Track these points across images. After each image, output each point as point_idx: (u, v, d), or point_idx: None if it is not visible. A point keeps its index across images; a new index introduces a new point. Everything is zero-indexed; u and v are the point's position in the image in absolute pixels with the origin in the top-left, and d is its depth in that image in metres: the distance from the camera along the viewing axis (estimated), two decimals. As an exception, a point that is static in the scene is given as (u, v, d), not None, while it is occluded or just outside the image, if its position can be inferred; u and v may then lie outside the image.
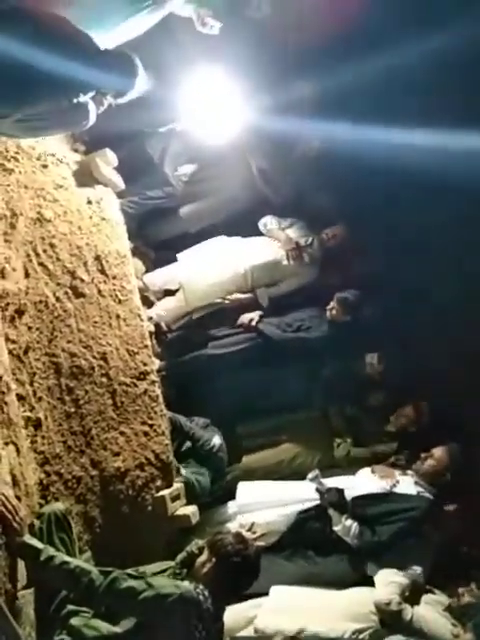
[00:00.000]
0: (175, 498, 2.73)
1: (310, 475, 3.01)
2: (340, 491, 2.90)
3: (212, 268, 3.49)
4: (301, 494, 2.97)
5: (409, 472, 2.98)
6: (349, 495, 2.89)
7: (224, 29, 3.02)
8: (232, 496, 3.10)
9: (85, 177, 2.98)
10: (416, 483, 2.91)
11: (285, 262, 3.50)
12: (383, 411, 3.40)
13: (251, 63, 3.32)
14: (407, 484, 2.92)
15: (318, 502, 2.90)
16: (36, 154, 2.68)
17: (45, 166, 2.72)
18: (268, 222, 3.60)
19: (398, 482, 2.94)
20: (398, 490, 2.90)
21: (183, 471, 2.93)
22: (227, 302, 3.55)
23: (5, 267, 2.30)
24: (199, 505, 2.88)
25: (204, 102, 3.10)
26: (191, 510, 2.76)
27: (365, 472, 3.08)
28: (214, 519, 3.06)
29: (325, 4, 3.25)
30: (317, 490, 2.91)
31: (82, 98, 2.16)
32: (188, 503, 2.84)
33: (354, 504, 2.87)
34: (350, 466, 3.25)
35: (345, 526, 2.82)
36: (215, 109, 3.15)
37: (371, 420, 3.43)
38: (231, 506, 3.10)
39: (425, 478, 2.92)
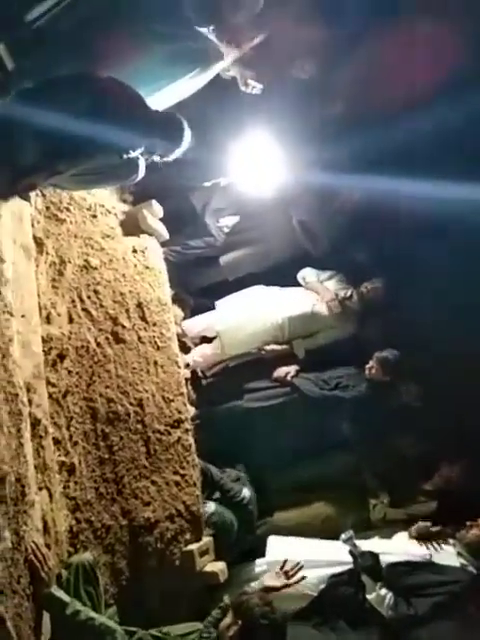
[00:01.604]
0: (204, 553, 2.67)
1: (343, 536, 2.88)
2: (375, 556, 2.75)
3: (249, 317, 3.52)
4: (334, 556, 2.84)
5: (451, 540, 2.81)
6: (385, 561, 2.74)
7: (268, 87, 3.15)
8: (261, 553, 3.00)
9: (132, 227, 3.09)
10: (459, 554, 2.73)
11: (323, 314, 3.49)
12: (420, 466, 3.27)
13: (294, 119, 3.44)
14: (448, 554, 2.75)
15: (352, 566, 2.77)
16: (87, 205, 2.81)
17: (94, 216, 2.84)
18: (307, 274, 3.63)
19: (438, 550, 2.78)
20: (438, 560, 2.74)
21: (210, 503, 2.86)
22: (263, 352, 3.54)
23: (51, 312, 2.38)
24: (227, 562, 2.79)
25: (247, 158, 3.22)
26: (220, 567, 2.68)
27: (402, 536, 2.93)
28: (242, 576, 2.95)
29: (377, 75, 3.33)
30: (350, 553, 2.78)
31: (132, 154, 2.28)
32: (217, 556, 2.76)
33: (389, 571, 2.71)
34: (386, 528, 3.11)
35: (379, 595, 2.66)
36: (257, 164, 3.27)
37: (408, 477, 3.29)
38: (260, 564, 2.99)
39: (469, 549, 2.72)
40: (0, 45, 2.16)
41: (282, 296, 3.59)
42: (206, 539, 2.76)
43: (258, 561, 2.99)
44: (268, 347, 3.52)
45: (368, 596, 2.68)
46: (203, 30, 2.50)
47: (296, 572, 2.03)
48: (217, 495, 3.05)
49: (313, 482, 3.35)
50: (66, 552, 2.01)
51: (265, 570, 2.87)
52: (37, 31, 2.10)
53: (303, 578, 2.21)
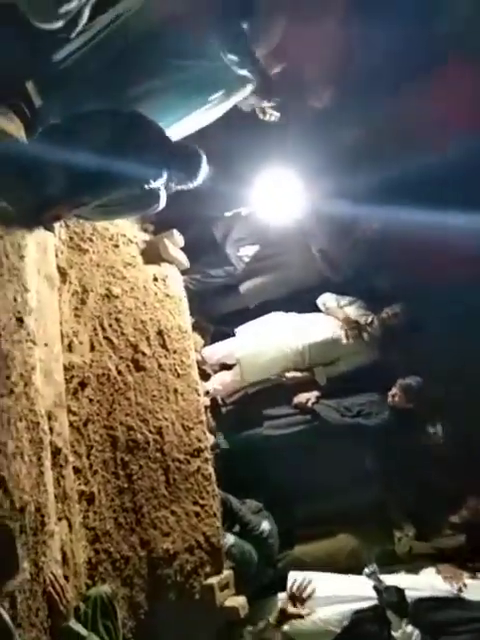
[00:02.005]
0: (224, 587, 2.61)
1: (367, 570, 2.80)
2: (400, 591, 2.66)
3: (269, 344, 3.50)
4: (358, 591, 2.75)
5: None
6: (411, 596, 2.64)
7: (286, 117, 3.21)
8: (283, 587, 2.92)
9: (153, 256, 3.14)
10: (488, 589, 2.64)
11: (344, 341, 3.46)
12: (447, 498, 3.17)
13: (311, 149, 3.49)
14: (477, 589, 2.66)
15: (376, 602, 2.67)
16: (109, 235, 2.87)
17: (116, 246, 2.90)
18: (327, 300, 3.61)
19: (466, 586, 2.68)
20: (467, 596, 2.64)
21: (228, 535, 2.80)
22: (284, 379, 3.51)
23: (73, 340, 2.41)
24: (248, 596, 2.72)
25: (267, 187, 3.26)
26: (240, 601, 2.62)
27: (429, 572, 2.83)
28: (264, 612, 2.86)
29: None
30: (375, 588, 2.69)
31: (153, 185, 2.33)
32: (237, 590, 2.70)
33: (416, 607, 2.61)
34: (412, 562, 3.01)
35: (405, 633, 2.56)
36: (277, 193, 3.30)
37: (434, 509, 3.20)
38: (282, 598, 2.90)
39: (499, 584, 2.65)
40: (29, 83, 2.24)
41: (302, 322, 3.57)
42: (226, 572, 2.70)
43: (280, 595, 2.90)
44: (289, 374, 3.49)
45: (394, 633, 2.58)
46: (225, 60, 2.57)
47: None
48: (237, 528, 3.00)
49: (336, 513, 3.28)
50: (84, 584, 1.98)
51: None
52: (64, 70, 2.18)
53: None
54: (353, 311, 3.55)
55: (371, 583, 2.73)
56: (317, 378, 3.47)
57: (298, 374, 3.50)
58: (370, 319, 3.51)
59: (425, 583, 2.74)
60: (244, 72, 2.60)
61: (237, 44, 2.49)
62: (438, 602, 2.62)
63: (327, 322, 3.54)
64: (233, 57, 2.52)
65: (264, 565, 2.96)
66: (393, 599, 2.63)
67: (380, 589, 2.67)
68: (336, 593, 2.76)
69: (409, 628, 2.56)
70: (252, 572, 2.89)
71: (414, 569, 2.89)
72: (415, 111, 3.29)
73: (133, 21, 2.24)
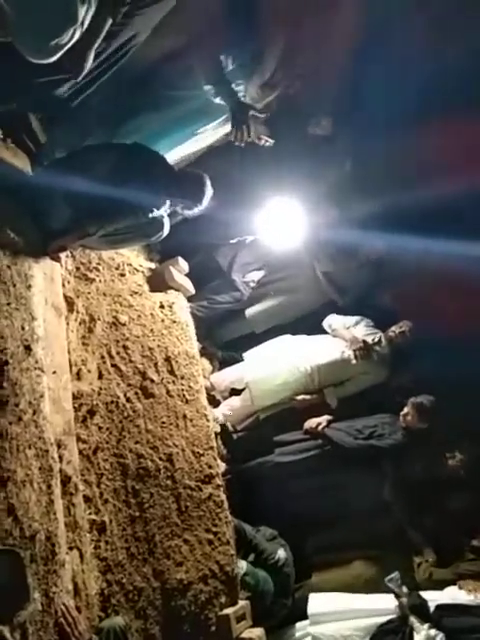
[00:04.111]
0: (240, 618, 2.52)
1: (388, 577, 2.74)
2: (421, 597, 2.60)
3: (278, 367, 3.49)
4: (379, 605, 2.71)
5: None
6: (432, 603, 2.59)
7: (289, 143, 3.28)
8: (300, 616, 2.84)
9: (159, 283, 3.17)
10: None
11: (353, 361, 3.44)
12: (468, 521, 3.08)
13: (317, 175, 3.55)
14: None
15: (399, 614, 2.61)
16: (115, 264, 2.91)
17: (123, 275, 2.93)
18: (333, 322, 3.61)
19: None
20: None
21: (241, 562, 2.73)
22: (294, 402, 3.48)
23: (81, 368, 2.42)
24: (265, 627, 2.64)
25: (271, 213, 3.31)
26: (257, 633, 2.53)
27: (452, 588, 2.77)
28: (282, 643, 2.79)
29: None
30: (395, 594, 2.62)
31: (157, 213, 2.37)
32: (253, 621, 2.62)
33: (438, 613, 2.56)
34: (434, 588, 2.91)
35: (429, 635, 2.49)
36: (281, 218, 3.35)
37: (454, 533, 3.11)
38: (300, 628, 2.82)
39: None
40: (33, 119, 2.32)
41: (310, 344, 3.56)
42: (242, 603, 2.63)
43: (298, 625, 2.83)
44: (299, 397, 3.46)
45: (416, 637, 2.51)
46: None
47: None
48: (251, 557, 2.93)
49: (352, 539, 3.19)
50: (97, 616, 1.94)
51: (305, 634, 2.72)
52: (68, 106, 2.26)
53: None
54: (360, 331, 3.54)
55: (390, 597, 2.66)
56: (328, 400, 3.44)
57: (308, 397, 3.47)
58: (377, 338, 3.50)
59: (447, 595, 2.71)
60: (218, 100, 2.68)
61: (214, 75, 2.57)
62: (460, 608, 2.57)
63: (335, 343, 3.53)
64: (208, 88, 2.60)
65: (280, 595, 2.88)
66: (415, 602, 2.60)
67: (400, 594, 2.61)
68: (357, 608, 2.71)
69: (432, 631, 2.52)
70: (268, 603, 2.81)
71: (436, 590, 2.81)
72: (418, 146, 3.36)
73: (133, 56, 2.32)
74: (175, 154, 2.84)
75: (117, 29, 1.96)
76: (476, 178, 3.16)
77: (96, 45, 1.86)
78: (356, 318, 3.60)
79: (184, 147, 2.82)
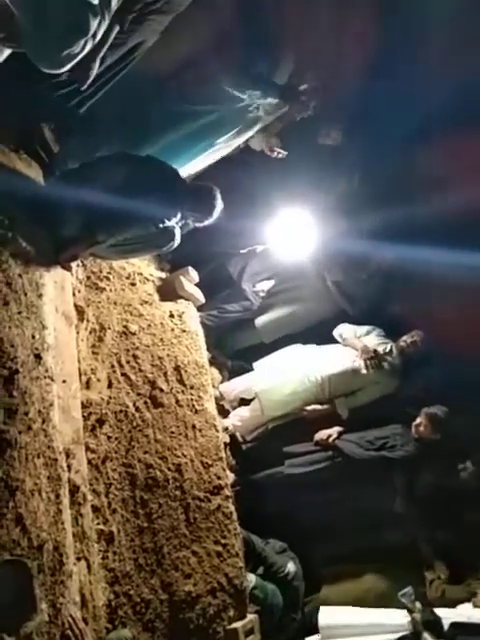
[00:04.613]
0: (248, 632, 2.49)
1: (401, 592, 2.69)
2: (435, 613, 2.55)
3: (288, 377, 3.46)
4: (391, 620, 2.66)
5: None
6: (446, 621, 2.53)
7: (299, 154, 3.30)
8: (310, 630, 2.79)
9: (169, 293, 3.17)
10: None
11: (364, 371, 3.41)
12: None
13: (327, 186, 3.56)
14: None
15: (411, 631, 2.57)
16: (126, 274, 2.92)
17: (133, 284, 2.94)
18: (344, 331, 3.58)
19: None
20: None
21: (250, 576, 2.70)
22: (305, 413, 3.46)
23: (91, 377, 2.42)
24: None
25: (281, 223, 3.31)
26: (266, 647, 2.50)
27: (466, 606, 2.70)
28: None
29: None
30: (408, 609, 2.57)
31: (168, 224, 2.38)
32: (262, 635, 2.58)
33: (453, 632, 2.50)
34: (445, 607, 2.85)
35: None
36: (292, 228, 3.35)
37: (467, 548, 3.05)
38: (309, 642, 2.78)
39: None
40: (47, 132, 2.35)
41: (321, 354, 3.53)
42: (251, 616, 2.59)
43: (308, 639, 2.78)
44: (309, 407, 3.43)
45: None
46: (245, 100, 2.67)
47: None
48: (261, 570, 2.89)
49: (363, 553, 3.15)
50: (104, 628, 1.92)
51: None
52: (81, 117, 2.29)
53: None
54: (371, 340, 3.51)
55: (403, 612, 2.62)
56: (339, 410, 3.41)
57: (319, 407, 3.43)
58: (389, 347, 3.47)
59: (461, 613, 2.66)
60: (271, 100, 2.68)
61: (254, 79, 2.58)
62: (476, 628, 2.50)
63: (346, 353, 3.50)
64: (255, 92, 2.62)
65: (289, 609, 2.84)
66: (429, 618, 2.56)
67: (413, 610, 2.56)
68: (369, 622, 2.67)
69: None
70: (277, 617, 2.77)
71: (449, 608, 2.75)
72: (427, 159, 3.36)
73: (147, 69, 2.34)
74: (191, 167, 2.86)
75: (124, 37, 1.97)
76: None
77: (102, 53, 1.87)
78: (367, 328, 3.57)
79: (199, 160, 2.84)
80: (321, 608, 2.82)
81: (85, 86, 1.98)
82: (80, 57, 1.67)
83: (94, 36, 1.71)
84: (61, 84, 1.95)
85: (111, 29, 1.81)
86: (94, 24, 1.65)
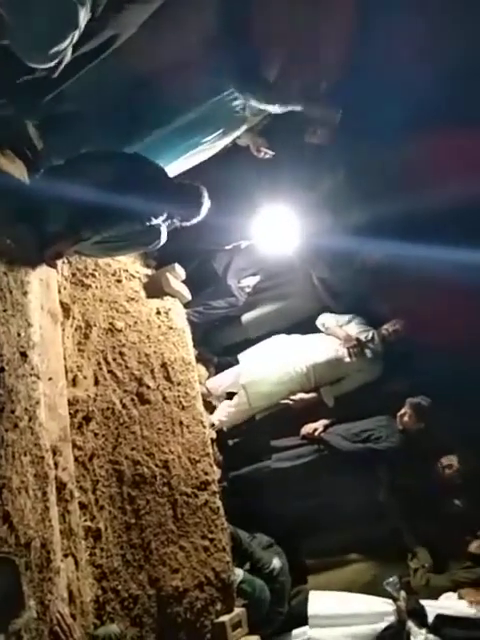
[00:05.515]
0: (236, 625, 2.52)
1: (386, 581, 2.74)
2: (419, 602, 2.61)
3: (273, 368, 3.49)
4: (377, 608, 2.73)
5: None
6: (431, 611, 2.59)
7: (286, 151, 3.31)
8: (297, 623, 2.84)
9: (155, 290, 3.17)
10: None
11: (347, 359, 3.46)
12: (464, 526, 3.09)
13: (312, 182, 3.57)
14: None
15: (397, 619, 2.64)
16: (112, 270, 2.91)
17: (119, 281, 2.94)
18: (326, 320, 3.63)
19: None
20: None
21: (238, 570, 2.74)
22: (291, 402, 3.49)
23: (77, 375, 2.42)
24: (261, 635, 2.63)
25: (267, 219, 3.33)
26: (253, 641, 2.53)
27: (450, 596, 2.76)
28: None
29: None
30: (392, 598, 2.62)
31: (154, 221, 2.38)
32: (249, 628, 2.61)
33: (437, 622, 2.56)
34: (430, 595, 2.91)
35: (427, 639, 2.49)
36: (277, 225, 3.37)
37: (450, 538, 3.11)
38: (297, 634, 2.82)
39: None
40: (30, 127, 2.33)
41: (305, 343, 3.57)
42: (238, 610, 2.62)
43: (295, 632, 2.83)
44: (296, 396, 3.47)
45: None
46: (239, 100, 2.66)
47: None
48: (247, 566, 2.92)
49: (349, 544, 3.20)
50: (92, 624, 1.94)
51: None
52: (64, 113, 2.27)
53: None
54: (353, 329, 3.56)
55: (389, 601, 2.67)
56: (325, 399, 3.46)
57: (305, 396, 3.48)
58: (370, 335, 3.53)
59: (448, 605, 2.71)
60: (270, 107, 2.67)
61: (250, 82, 2.57)
62: (460, 620, 2.58)
63: (329, 342, 3.54)
64: (250, 95, 2.61)
65: (275, 603, 2.87)
66: (414, 606, 2.62)
67: (398, 598, 2.61)
68: (357, 611, 2.73)
69: (430, 637, 2.54)
70: (264, 611, 2.80)
71: (433, 597, 2.81)
72: (412, 156, 3.39)
73: (133, 66, 2.33)
74: (177, 167, 2.85)
75: (97, 25, 1.91)
76: (471, 185, 3.19)
77: (73, 41, 1.82)
78: (348, 316, 3.63)
79: (185, 159, 2.83)
80: (311, 592, 2.86)
81: (56, 75, 1.93)
82: (66, 50, 1.66)
83: (80, 28, 1.70)
84: (31, 73, 1.90)
85: (83, 18, 1.77)
86: (82, 15, 1.64)
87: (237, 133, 3.07)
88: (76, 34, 1.67)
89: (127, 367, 2.71)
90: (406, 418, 3.21)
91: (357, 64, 3.14)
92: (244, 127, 3.03)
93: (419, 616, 2.59)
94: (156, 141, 2.69)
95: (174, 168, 2.87)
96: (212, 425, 3.35)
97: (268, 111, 2.81)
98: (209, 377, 3.66)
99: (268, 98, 2.68)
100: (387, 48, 3.10)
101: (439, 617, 2.58)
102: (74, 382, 2.37)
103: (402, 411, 3.23)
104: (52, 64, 1.68)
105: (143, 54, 2.31)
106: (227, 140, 2.97)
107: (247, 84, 2.60)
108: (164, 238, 2.49)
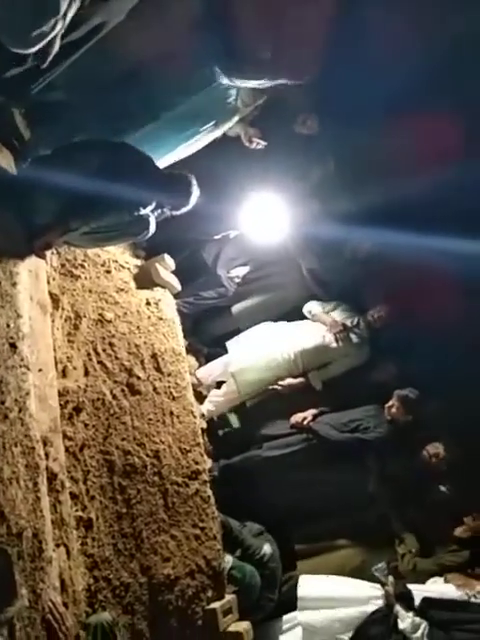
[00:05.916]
0: (227, 612, 2.56)
1: (374, 567, 2.79)
2: (406, 587, 2.67)
3: (261, 354, 3.53)
4: (366, 592, 2.78)
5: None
6: (418, 595, 2.65)
7: (276, 140, 3.30)
8: (288, 608, 2.88)
9: (145, 280, 3.17)
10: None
11: (333, 345, 3.51)
12: (449, 512, 3.15)
13: (302, 172, 3.57)
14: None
15: (385, 603, 2.70)
16: (101, 261, 2.90)
17: (109, 272, 2.93)
18: (312, 308, 3.67)
19: (479, 593, 2.66)
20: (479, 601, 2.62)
21: (228, 557, 2.77)
22: (280, 388, 3.53)
23: (67, 366, 2.42)
24: (252, 621, 2.67)
25: (256, 209, 3.33)
26: (244, 626, 2.56)
27: (437, 580, 2.82)
28: (269, 635, 2.82)
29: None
30: (381, 583, 2.68)
31: (143, 211, 2.37)
32: (240, 614, 2.65)
33: (424, 605, 2.63)
34: (417, 580, 2.97)
35: (414, 623, 2.56)
36: (265, 214, 3.37)
37: (437, 523, 3.17)
38: (287, 620, 2.87)
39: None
40: (17, 117, 2.30)
41: (291, 330, 3.61)
42: (229, 597, 2.66)
43: (285, 617, 2.87)
44: (284, 382, 3.51)
45: (401, 624, 2.57)
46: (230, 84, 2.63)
47: None
48: (238, 553, 2.96)
49: (338, 530, 3.25)
50: (84, 612, 1.95)
51: (293, 626, 2.76)
52: (51, 102, 2.24)
53: None
54: (338, 314, 3.61)
55: (377, 585, 2.72)
56: (313, 383, 3.52)
57: (293, 381, 3.53)
58: (356, 320, 3.57)
59: (436, 589, 2.76)
60: (256, 83, 2.63)
61: (234, 63, 2.54)
62: (447, 603, 2.63)
63: (315, 328, 3.59)
64: (237, 74, 2.58)
65: (266, 589, 2.91)
66: (401, 590, 2.68)
67: (386, 582, 2.67)
68: (346, 594, 2.79)
69: (417, 619, 2.58)
70: (255, 596, 2.84)
71: (420, 581, 2.87)
72: (398, 142, 3.39)
73: (121, 56, 2.30)
74: (169, 159, 2.83)
75: (85, 13, 1.89)
76: (456, 171, 3.20)
77: (62, 30, 1.81)
78: (334, 303, 3.67)
79: (178, 151, 2.81)
80: (301, 576, 2.91)
81: (45, 64, 1.91)
82: (51, 36, 1.64)
83: (65, 16, 1.68)
84: (20, 62, 1.88)
85: (71, 5, 1.76)
86: (64, 4, 1.62)
87: (229, 124, 3.06)
88: (59, 21, 1.65)
89: (117, 358, 2.71)
90: (394, 410, 3.26)
91: (341, 51, 3.12)
92: (236, 118, 3.02)
93: (406, 600, 2.64)
94: (148, 134, 2.67)
95: (166, 161, 2.86)
96: (202, 415, 3.37)
97: (258, 88, 2.76)
98: (199, 367, 3.68)
99: (257, 73, 2.64)
100: (366, 31, 3.07)
101: (425, 600, 2.64)
102: (64, 373, 2.37)
103: (390, 403, 3.27)
104: (34, 49, 1.66)
105: (130, 44, 2.28)
106: (219, 132, 2.96)
107: (234, 62, 2.57)
108: (153, 228, 2.48)
